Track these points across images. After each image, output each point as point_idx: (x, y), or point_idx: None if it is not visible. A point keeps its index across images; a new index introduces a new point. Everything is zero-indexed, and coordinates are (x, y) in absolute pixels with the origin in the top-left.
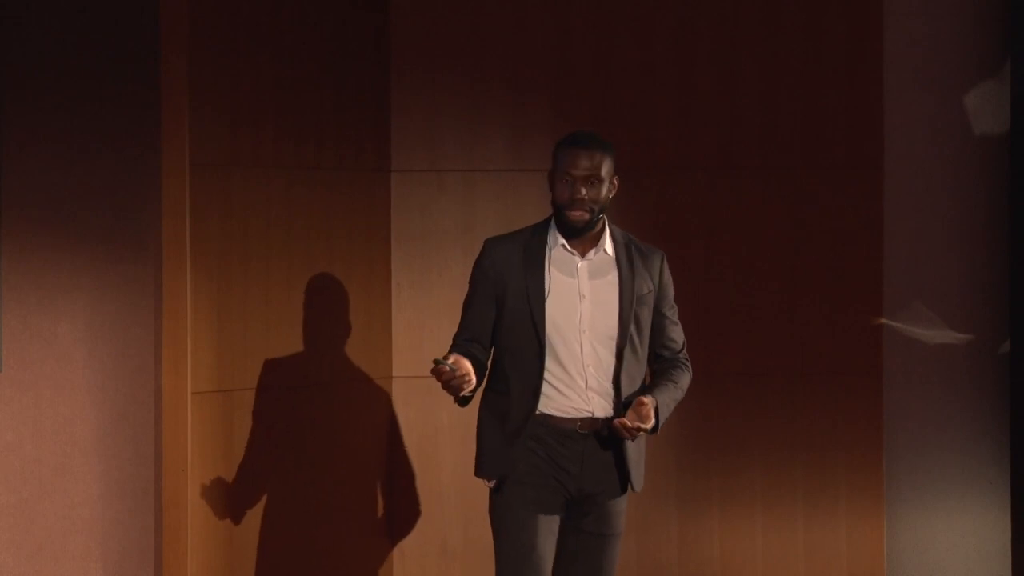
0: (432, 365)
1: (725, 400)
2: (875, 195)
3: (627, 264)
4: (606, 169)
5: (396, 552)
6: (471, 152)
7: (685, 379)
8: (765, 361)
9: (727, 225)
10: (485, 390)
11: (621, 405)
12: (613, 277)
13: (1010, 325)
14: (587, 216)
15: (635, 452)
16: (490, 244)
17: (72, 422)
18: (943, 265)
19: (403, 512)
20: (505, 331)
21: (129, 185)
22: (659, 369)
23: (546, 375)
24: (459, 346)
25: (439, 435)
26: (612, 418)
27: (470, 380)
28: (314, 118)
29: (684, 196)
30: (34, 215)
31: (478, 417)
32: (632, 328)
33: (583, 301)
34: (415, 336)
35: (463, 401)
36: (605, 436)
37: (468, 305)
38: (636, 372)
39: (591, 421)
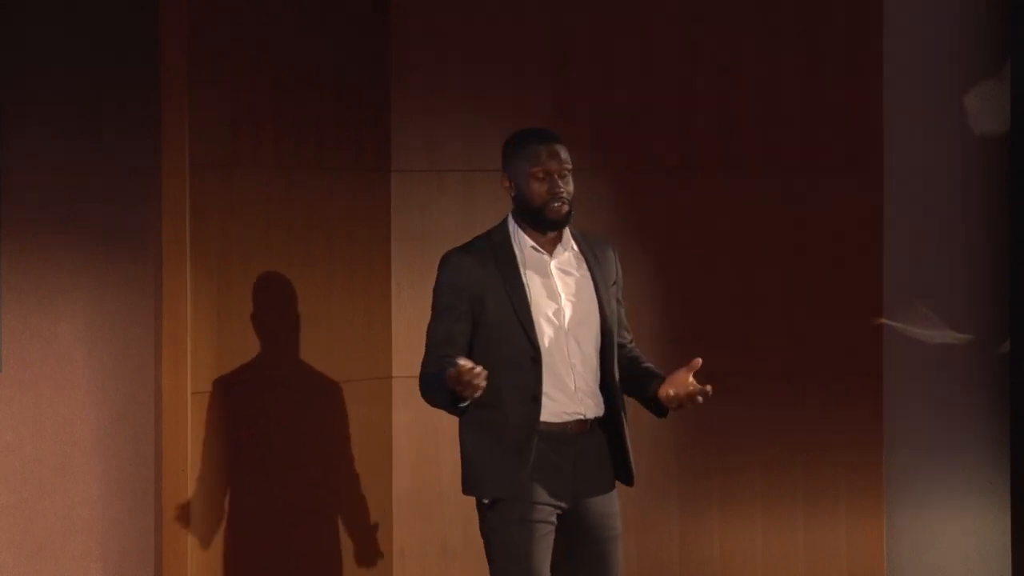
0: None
1: (725, 400)
2: (875, 195)
3: (592, 257)
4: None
5: (396, 552)
6: (471, 152)
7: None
8: (765, 361)
9: (727, 225)
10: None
11: (612, 401)
12: (584, 272)
13: (1010, 325)
14: (567, 208)
15: (627, 445)
16: (456, 259)
17: (72, 422)
18: (943, 265)
19: (403, 512)
20: (491, 344)
21: (129, 185)
22: (630, 361)
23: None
24: (444, 359)
25: (439, 435)
26: (599, 417)
27: (485, 376)
28: (314, 118)
29: (683, 196)
30: (34, 215)
31: (461, 435)
32: (612, 321)
33: (564, 300)
34: (415, 336)
35: (463, 410)
36: (596, 435)
37: (438, 323)
38: (614, 367)
39: (581, 422)
